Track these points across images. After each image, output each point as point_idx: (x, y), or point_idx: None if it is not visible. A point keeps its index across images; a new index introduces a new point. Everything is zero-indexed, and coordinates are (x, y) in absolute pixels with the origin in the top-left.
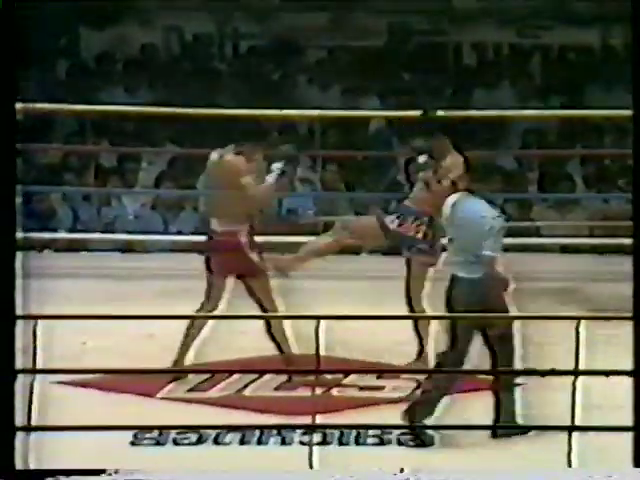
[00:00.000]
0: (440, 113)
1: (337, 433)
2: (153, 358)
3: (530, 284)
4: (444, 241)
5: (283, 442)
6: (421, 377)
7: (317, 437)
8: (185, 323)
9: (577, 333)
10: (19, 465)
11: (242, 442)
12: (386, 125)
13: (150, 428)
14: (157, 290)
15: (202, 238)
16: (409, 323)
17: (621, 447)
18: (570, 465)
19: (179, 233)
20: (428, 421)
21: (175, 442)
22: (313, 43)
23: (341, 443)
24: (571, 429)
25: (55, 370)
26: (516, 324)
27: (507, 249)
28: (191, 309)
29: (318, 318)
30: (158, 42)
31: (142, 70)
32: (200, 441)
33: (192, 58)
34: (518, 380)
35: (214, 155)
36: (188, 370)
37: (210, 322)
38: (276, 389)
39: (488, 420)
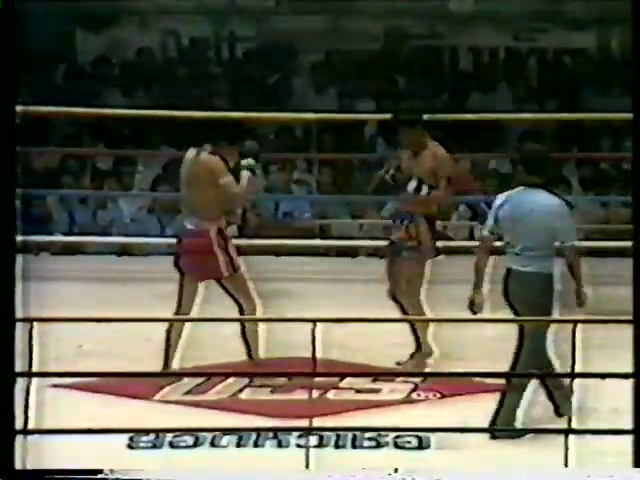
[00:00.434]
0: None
1: (333, 436)
2: (150, 361)
3: None
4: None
5: (280, 445)
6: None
7: (313, 440)
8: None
9: (573, 336)
10: (16, 467)
11: (239, 445)
12: (377, 128)
13: (147, 431)
14: (153, 293)
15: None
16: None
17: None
18: (567, 466)
19: (175, 236)
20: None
21: (172, 445)
22: (309, 46)
23: (337, 446)
24: (569, 432)
25: (54, 373)
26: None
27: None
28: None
29: (314, 321)
30: (155, 45)
31: (139, 73)
32: (197, 444)
33: (188, 61)
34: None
35: (190, 153)
36: (184, 373)
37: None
38: (272, 392)
39: (486, 422)
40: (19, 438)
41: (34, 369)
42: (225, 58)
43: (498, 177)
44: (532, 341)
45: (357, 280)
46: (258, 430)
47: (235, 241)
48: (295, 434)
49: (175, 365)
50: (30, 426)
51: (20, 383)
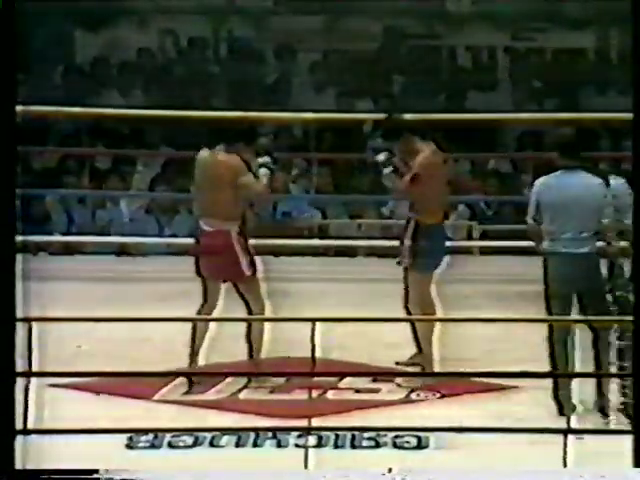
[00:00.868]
0: (408, 116)
1: (332, 436)
2: (149, 361)
3: (527, 287)
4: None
5: (279, 445)
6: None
7: (312, 440)
8: (181, 326)
9: (573, 335)
10: (16, 467)
11: (238, 445)
12: (372, 127)
13: (146, 431)
14: (152, 293)
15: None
16: (405, 325)
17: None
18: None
19: (174, 236)
20: None
21: (171, 445)
22: (308, 46)
23: (336, 446)
24: (568, 432)
25: (54, 373)
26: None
27: (504, 252)
28: (186, 312)
29: (313, 320)
30: (153, 45)
31: (137, 73)
32: (196, 444)
33: (187, 61)
34: None
35: (204, 154)
36: (185, 373)
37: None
38: (271, 392)
39: (486, 422)
40: (19, 438)
41: (34, 369)
42: (224, 58)
43: (498, 177)
44: (554, 335)
45: (357, 280)
46: (257, 430)
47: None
48: (294, 434)
49: (201, 363)
50: (30, 426)
51: (20, 383)
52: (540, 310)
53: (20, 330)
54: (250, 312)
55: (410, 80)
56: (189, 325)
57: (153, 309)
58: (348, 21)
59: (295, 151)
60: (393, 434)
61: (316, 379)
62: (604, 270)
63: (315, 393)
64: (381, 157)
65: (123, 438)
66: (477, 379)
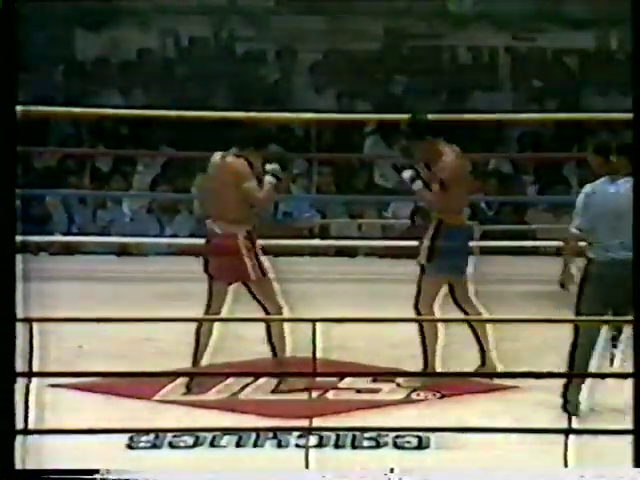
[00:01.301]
0: (430, 117)
1: (333, 436)
2: (150, 361)
3: (525, 287)
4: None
5: (279, 445)
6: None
7: (313, 440)
8: (181, 326)
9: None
10: (16, 467)
11: (238, 445)
12: (376, 128)
13: (146, 431)
14: (153, 293)
15: (199, 241)
16: (404, 325)
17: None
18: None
19: (175, 236)
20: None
21: (171, 445)
22: (309, 46)
23: (337, 446)
24: (569, 432)
25: (54, 373)
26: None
27: (503, 252)
28: (187, 312)
29: (314, 321)
30: (154, 45)
31: (138, 73)
32: (196, 444)
33: (188, 61)
34: None
35: (216, 157)
36: (185, 373)
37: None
38: (272, 392)
39: (485, 422)
40: (19, 438)
41: (34, 369)
42: (224, 58)
43: (498, 177)
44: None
45: (356, 280)
46: (258, 430)
47: None
48: (295, 434)
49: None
50: (30, 426)
51: (20, 383)
52: (540, 310)
53: (20, 330)
54: (267, 315)
55: (410, 80)
56: (190, 325)
57: (153, 309)
58: (349, 21)
59: (295, 151)
60: (393, 434)
61: (316, 379)
62: None
63: (315, 393)
64: (407, 174)
65: (124, 438)
66: (477, 379)
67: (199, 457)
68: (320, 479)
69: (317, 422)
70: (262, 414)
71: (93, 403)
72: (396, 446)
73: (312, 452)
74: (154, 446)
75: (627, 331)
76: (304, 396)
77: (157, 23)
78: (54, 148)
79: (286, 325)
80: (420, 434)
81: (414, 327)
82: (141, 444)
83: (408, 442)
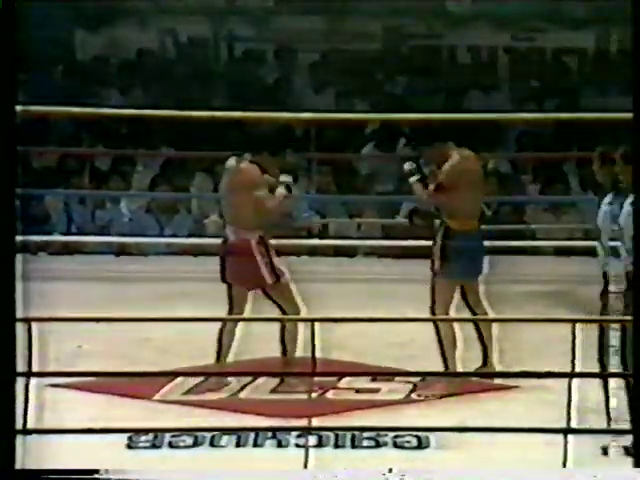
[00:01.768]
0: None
1: (333, 436)
2: (150, 361)
3: (524, 287)
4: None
5: (279, 445)
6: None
7: (313, 440)
8: (181, 326)
9: (573, 336)
10: (16, 467)
11: (238, 445)
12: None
13: (146, 431)
14: (152, 293)
15: (199, 241)
16: (404, 325)
17: None
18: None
19: (174, 236)
20: None
21: (171, 445)
22: (308, 46)
23: (337, 446)
24: (568, 431)
25: (54, 373)
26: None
27: (502, 252)
28: (187, 312)
29: (313, 321)
30: (153, 45)
31: (137, 73)
32: (196, 444)
33: (187, 61)
34: None
35: (231, 161)
36: (185, 373)
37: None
38: (272, 392)
39: (486, 422)
40: (19, 438)
41: (34, 369)
42: (224, 58)
43: (498, 177)
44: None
45: (355, 280)
46: (257, 430)
47: None
48: (294, 434)
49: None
50: (30, 426)
51: (20, 383)
52: (540, 310)
53: (20, 330)
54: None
55: (410, 80)
56: (189, 325)
57: (153, 309)
58: (348, 21)
59: (294, 151)
60: (393, 434)
61: (316, 379)
62: None
63: (315, 393)
64: (407, 166)
65: (123, 438)
66: (477, 380)
67: (199, 457)
68: (320, 479)
69: (317, 422)
70: (262, 414)
71: (93, 403)
72: (396, 446)
73: (312, 452)
74: (154, 446)
75: None
76: (304, 396)
77: (156, 23)
78: (53, 148)
79: (300, 326)
80: (420, 434)
81: (414, 327)
82: (141, 444)
83: (408, 442)
